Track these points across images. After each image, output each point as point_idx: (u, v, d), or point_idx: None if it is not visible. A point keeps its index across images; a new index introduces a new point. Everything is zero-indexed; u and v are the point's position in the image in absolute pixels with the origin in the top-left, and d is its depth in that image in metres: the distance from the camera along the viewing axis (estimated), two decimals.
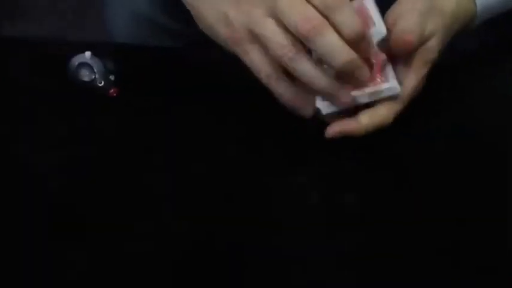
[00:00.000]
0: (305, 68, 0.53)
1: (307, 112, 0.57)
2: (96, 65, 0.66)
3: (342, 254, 0.53)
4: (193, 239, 0.54)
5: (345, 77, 0.55)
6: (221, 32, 0.57)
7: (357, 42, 0.53)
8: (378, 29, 0.57)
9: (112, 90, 0.66)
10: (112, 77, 0.67)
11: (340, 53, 0.53)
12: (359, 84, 0.56)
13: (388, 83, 0.57)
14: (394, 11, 0.60)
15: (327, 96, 0.56)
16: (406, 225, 0.54)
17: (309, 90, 0.56)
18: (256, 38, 0.54)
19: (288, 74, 0.56)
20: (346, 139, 0.59)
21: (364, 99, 0.57)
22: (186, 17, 0.82)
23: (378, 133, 0.61)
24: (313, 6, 0.52)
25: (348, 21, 0.53)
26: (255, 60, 0.55)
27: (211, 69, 0.71)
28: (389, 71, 0.58)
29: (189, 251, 0.53)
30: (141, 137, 0.63)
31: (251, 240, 0.53)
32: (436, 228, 0.54)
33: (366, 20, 0.57)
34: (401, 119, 0.63)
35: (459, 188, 0.57)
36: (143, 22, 0.83)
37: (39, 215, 0.56)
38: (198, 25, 0.60)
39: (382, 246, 0.53)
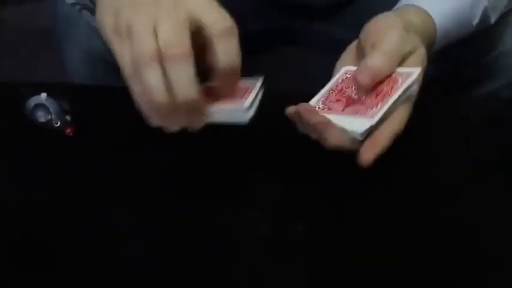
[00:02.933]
0: (153, 78, 0.53)
1: (150, 122, 0.57)
2: (52, 105, 0.66)
3: (293, 282, 0.53)
4: (152, 269, 0.54)
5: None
6: (107, 21, 0.56)
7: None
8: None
9: (68, 130, 0.67)
10: (68, 117, 0.67)
11: (191, 85, 0.53)
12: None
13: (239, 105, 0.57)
14: (370, 31, 0.61)
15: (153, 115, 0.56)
16: (356, 254, 0.56)
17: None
18: (130, 34, 0.54)
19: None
20: (296, 169, 0.61)
21: (219, 117, 0.58)
22: None
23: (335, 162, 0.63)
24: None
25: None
26: (124, 52, 0.54)
27: None
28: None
29: (148, 284, 0.54)
30: (98, 177, 0.64)
31: (208, 271, 0.54)
32: (388, 258, 0.55)
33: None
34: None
35: (409, 222, 0.58)
36: (98, 62, 0.83)
37: None
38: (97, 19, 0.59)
39: (332, 273, 0.54)
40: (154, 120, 0.57)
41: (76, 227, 0.58)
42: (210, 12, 0.54)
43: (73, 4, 0.77)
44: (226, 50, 0.54)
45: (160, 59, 0.52)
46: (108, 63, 0.83)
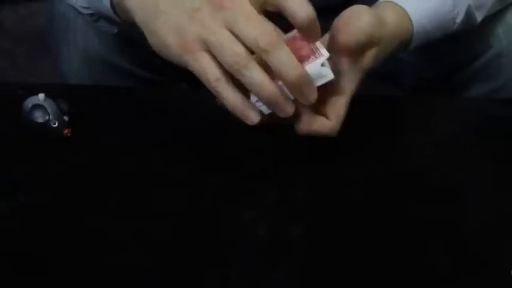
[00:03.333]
0: (256, 75, 0.55)
1: (251, 119, 0.57)
2: (50, 106, 0.66)
3: (290, 285, 0.53)
4: (147, 271, 0.54)
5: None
6: (172, 41, 0.57)
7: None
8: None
9: (66, 131, 0.67)
10: (66, 118, 0.67)
11: (293, 66, 0.55)
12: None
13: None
14: (344, 15, 0.62)
15: (272, 106, 0.57)
16: (355, 256, 0.56)
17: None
18: (208, 47, 0.56)
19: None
20: (293, 170, 0.61)
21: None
22: (139, 57, 0.84)
23: (327, 162, 0.63)
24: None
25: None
26: (205, 65, 0.56)
27: (164, 108, 0.72)
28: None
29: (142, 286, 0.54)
30: (96, 178, 0.63)
31: (200, 274, 0.54)
32: (384, 260, 0.55)
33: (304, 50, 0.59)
34: (348, 151, 0.65)
35: (406, 226, 0.58)
36: (96, 62, 0.83)
37: None
38: (150, 42, 0.60)
39: (329, 276, 0.54)
40: (256, 119, 0.57)
41: (73, 228, 0.58)
42: None
43: (90, 14, 0.77)
44: (299, 5, 0.55)
45: (255, 56, 0.54)
46: (105, 63, 0.84)
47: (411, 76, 0.80)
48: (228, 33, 0.55)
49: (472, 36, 0.79)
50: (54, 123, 0.66)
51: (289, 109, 0.57)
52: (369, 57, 0.63)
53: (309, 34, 0.57)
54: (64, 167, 0.65)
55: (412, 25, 0.68)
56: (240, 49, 0.54)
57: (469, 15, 0.73)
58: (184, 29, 0.56)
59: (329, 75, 0.58)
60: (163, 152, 0.66)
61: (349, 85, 0.62)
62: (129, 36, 0.78)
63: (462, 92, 0.84)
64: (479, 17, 0.75)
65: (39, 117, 0.66)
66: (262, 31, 0.54)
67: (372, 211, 0.59)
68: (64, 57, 0.85)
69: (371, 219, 0.58)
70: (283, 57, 0.54)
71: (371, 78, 0.74)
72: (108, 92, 0.77)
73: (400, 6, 0.68)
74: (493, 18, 0.79)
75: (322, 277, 0.53)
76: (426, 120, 0.72)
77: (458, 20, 0.72)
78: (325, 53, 0.58)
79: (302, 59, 0.57)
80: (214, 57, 0.56)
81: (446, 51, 0.75)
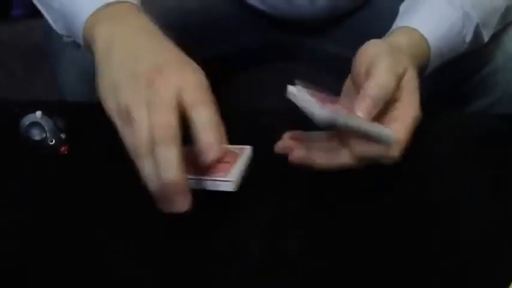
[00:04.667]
0: (145, 165, 0.56)
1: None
2: (47, 124, 0.67)
3: None
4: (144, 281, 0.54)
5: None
6: (109, 98, 0.59)
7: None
8: None
9: (63, 148, 0.67)
10: (63, 135, 0.68)
11: (167, 171, 0.55)
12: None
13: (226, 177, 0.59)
14: (361, 63, 0.62)
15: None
16: (351, 269, 0.56)
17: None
18: (131, 122, 0.57)
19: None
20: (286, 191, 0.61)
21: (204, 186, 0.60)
22: None
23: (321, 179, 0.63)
24: None
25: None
26: (128, 137, 0.57)
27: None
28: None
29: None
30: (93, 195, 0.63)
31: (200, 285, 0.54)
32: (380, 274, 0.55)
33: None
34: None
35: (403, 239, 0.58)
36: (92, 78, 0.84)
37: None
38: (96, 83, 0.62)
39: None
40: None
41: (70, 246, 0.58)
42: (198, 108, 0.57)
43: (74, 42, 0.77)
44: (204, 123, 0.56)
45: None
46: None
47: None
48: (144, 114, 0.56)
49: (470, 53, 0.80)
50: (51, 141, 0.67)
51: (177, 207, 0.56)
52: (412, 78, 0.63)
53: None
54: (60, 184, 0.65)
55: (429, 49, 0.69)
56: (143, 138, 0.55)
57: (477, 34, 0.74)
58: (120, 90, 0.58)
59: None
60: None
61: (408, 111, 0.62)
62: None
63: (460, 107, 0.85)
64: (486, 36, 0.75)
65: (36, 134, 0.66)
66: (162, 123, 0.55)
67: (368, 224, 0.59)
68: (61, 72, 0.86)
69: (368, 233, 0.58)
70: (166, 156, 0.54)
71: None
72: (105, 109, 0.77)
73: (417, 31, 0.68)
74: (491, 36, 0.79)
75: None
76: (425, 135, 0.72)
77: (468, 39, 0.73)
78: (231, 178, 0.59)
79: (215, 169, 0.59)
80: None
81: (444, 68, 0.76)
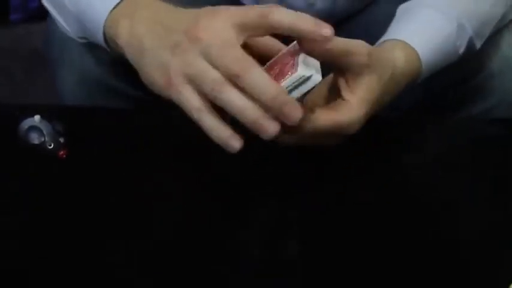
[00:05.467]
0: (233, 99, 0.56)
1: (234, 147, 0.58)
2: (46, 128, 0.67)
3: None
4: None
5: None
6: (157, 78, 0.60)
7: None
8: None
9: (62, 152, 0.67)
10: (62, 139, 0.68)
11: (267, 88, 0.55)
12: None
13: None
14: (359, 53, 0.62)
15: (254, 129, 0.57)
16: (351, 274, 0.56)
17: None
18: (189, 79, 0.57)
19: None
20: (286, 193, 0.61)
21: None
22: (135, 78, 0.84)
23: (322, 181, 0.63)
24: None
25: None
26: (187, 96, 0.57)
27: (160, 130, 0.73)
28: None
29: None
30: (92, 199, 0.63)
31: None
32: (379, 279, 0.55)
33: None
34: (341, 171, 0.65)
35: (402, 242, 0.58)
36: (92, 82, 0.84)
37: None
38: (142, 80, 0.62)
39: None
40: (238, 145, 0.58)
41: (70, 247, 0.58)
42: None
43: (88, 42, 0.78)
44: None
45: (232, 82, 0.55)
46: (101, 83, 0.84)
47: (405, 98, 0.80)
48: (204, 63, 0.56)
49: (464, 57, 0.80)
50: (50, 145, 0.67)
51: (271, 129, 0.56)
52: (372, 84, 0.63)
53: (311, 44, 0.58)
54: (60, 189, 0.65)
55: (421, 63, 0.69)
56: (214, 75, 0.56)
57: (470, 45, 0.74)
58: (167, 65, 0.58)
59: (315, 79, 0.57)
60: (159, 173, 0.66)
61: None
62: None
63: (455, 113, 0.85)
64: (478, 44, 0.75)
65: (35, 138, 0.67)
66: (232, 58, 0.55)
67: (366, 230, 0.59)
68: (60, 77, 0.86)
69: (364, 238, 0.58)
70: (254, 80, 0.55)
71: None
72: (104, 113, 0.77)
73: (409, 45, 0.68)
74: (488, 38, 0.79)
75: None
76: (420, 141, 0.72)
77: (461, 51, 0.73)
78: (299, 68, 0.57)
79: (284, 75, 0.58)
80: (197, 89, 0.57)
81: (439, 73, 0.76)
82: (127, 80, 0.84)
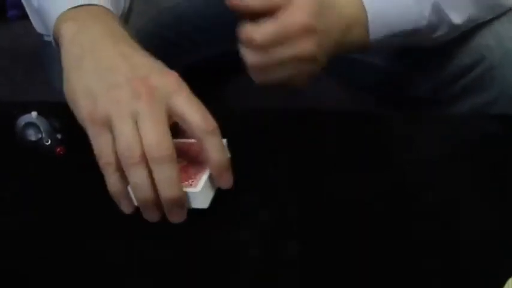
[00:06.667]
0: (137, 177, 0.56)
1: (124, 209, 0.59)
2: (43, 124, 0.67)
3: None
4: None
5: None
6: (82, 103, 0.59)
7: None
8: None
9: (59, 149, 0.67)
10: (59, 136, 0.67)
11: (170, 189, 0.56)
12: None
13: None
14: None
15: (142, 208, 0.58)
16: (349, 274, 0.55)
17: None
18: (111, 127, 0.57)
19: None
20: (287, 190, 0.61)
21: None
22: None
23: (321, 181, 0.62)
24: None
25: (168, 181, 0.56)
26: (103, 144, 0.57)
27: None
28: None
29: None
30: (89, 197, 0.63)
31: None
32: (378, 279, 0.55)
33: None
34: (338, 168, 0.65)
35: (399, 243, 0.58)
36: None
37: None
38: (63, 86, 0.61)
39: None
40: (128, 210, 0.59)
41: (66, 249, 0.58)
42: (192, 113, 0.57)
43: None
44: (214, 147, 0.57)
45: (145, 160, 0.55)
46: None
47: (403, 91, 0.81)
48: (132, 125, 0.56)
49: (464, 48, 0.79)
50: (47, 141, 0.66)
51: (154, 218, 0.58)
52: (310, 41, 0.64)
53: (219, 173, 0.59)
54: (56, 186, 0.65)
55: (365, 9, 0.68)
56: (135, 150, 0.55)
57: (437, 10, 0.73)
58: (97, 98, 0.57)
59: (203, 204, 0.59)
60: None
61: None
62: None
63: (454, 106, 0.85)
64: (456, 18, 0.74)
65: (31, 135, 0.66)
66: (160, 141, 0.55)
67: (364, 229, 0.59)
68: (55, 73, 0.85)
69: (363, 238, 0.58)
70: (166, 174, 0.55)
71: (365, 94, 0.74)
72: None
73: None
74: (484, 29, 0.79)
75: None
76: (417, 137, 0.72)
77: (426, 13, 0.72)
78: (199, 185, 0.58)
79: (188, 177, 0.59)
80: (113, 142, 0.57)
81: (438, 64, 0.76)
82: None
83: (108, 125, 0.57)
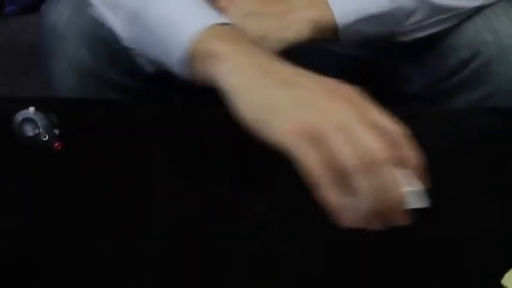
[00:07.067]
0: (371, 183, 0.53)
1: (351, 222, 0.55)
2: (40, 119, 0.66)
3: None
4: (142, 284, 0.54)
5: None
6: (282, 120, 0.55)
7: None
8: None
9: (56, 144, 0.67)
10: (56, 131, 0.67)
11: (392, 193, 0.53)
12: None
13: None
14: None
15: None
16: (347, 272, 0.55)
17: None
18: (320, 140, 0.54)
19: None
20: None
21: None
22: (129, 68, 0.84)
23: None
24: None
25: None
26: (314, 157, 0.53)
27: (154, 122, 0.72)
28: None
29: None
30: (87, 192, 0.63)
31: None
32: (376, 275, 0.55)
33: None
34: None
35: (397, 240, 0.57)
36: (87, 75, 0.84)
37: None
38: (237, 107, 0.56)
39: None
40: (352, 222, 0.55)
41: (63, 245, 0.58)
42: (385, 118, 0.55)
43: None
44: (412, 149, 0.55)
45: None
46: (95, 74, 0.83)
47: (400, 86, 0.81)
48: (347, 135, 0.53)
49: (460, 43, 0.79)
50: (45, 137, 0.66)
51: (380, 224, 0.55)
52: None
53: None
54: (54, 181, 0.65)
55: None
56: (360, 153, 0.52)
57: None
58: (305, 116, 0.54)
59: (423, 203, 0.56)
60: (155, 166, 0.66)
61: None
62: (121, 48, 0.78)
63: (450, 100, 0.85)
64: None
65: (29, 130, 0.66)
66: (379, 144, 0.53)
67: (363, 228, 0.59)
68: (54, 68, 0.85)
69: (363, 237, 0.58)
70: (389, 177, 0.53)
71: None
72: (99, 105, 0.77)
73: None
74: (481, 25, 0.79)
75: None
76: (414, 132, 0.71)
77: None
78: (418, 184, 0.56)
79: None
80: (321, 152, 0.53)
81: (434, 59, 0.76)
82: (121, 70, 0.83)
83: (316, 139, 0.54)
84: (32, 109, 0.67)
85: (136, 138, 0.70)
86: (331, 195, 0.53)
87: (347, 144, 0.53)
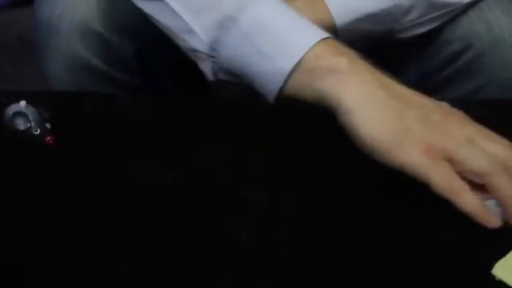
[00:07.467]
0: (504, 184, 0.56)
1: (495, 223, 0.57)
2: (32, 113, 0.66)
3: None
4: (134, 277, 0.54)
5: None
6: (414, 144, 0.56)
7: None
8: None
9: (48, 138, 0.67)
10: (48, 125, 0.67)
11: None
12: None
13: None
14: None
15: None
16: (343, 265, 0.55)
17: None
18: (451, 157, 0.56)
19: None
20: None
21: None
22: (124, 63, 0.84)
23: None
24: None
25: None
26: (450, 173, 0.56)
27: (148, 116, 0.72)
28: None
29: None
30: (79, 187, 0.63)
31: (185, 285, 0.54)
32: (373, 268, 0.55)
33: None
34: (334, 158, 0.65)
35: (394, 237, 0.58)
36: (81, 69, 0.83)
37: None
38: (358, 127, 0.57)
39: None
40: (497, 223, 0.57)
41: (55, 240, 0.57)
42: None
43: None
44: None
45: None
46: (89, 69, 0.83)
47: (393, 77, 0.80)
48: (474, 146, 0.57)
49: (453, 35, 0.79)
50: (36, 131, 0.66)
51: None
52: None
53: None
54: (46, 175, 0.64)
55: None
56: (493, 158, 0.56)
57: None
58: (433, 142, 0.56)
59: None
60: (146, 161, 0.66)
61: None
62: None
63: (443, 92, 0.85)
64: None
65: (20, 124, 0.66)
66: (503, 151, 0.57)
67: (360, 219, 0.59)
68: (47, 62, 0.85)
69: (362, 237, 0.58)
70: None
71: None
72: (91, 99, 0.77)
73: None
74: (474, 17, 0.79)
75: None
76: None
77: None
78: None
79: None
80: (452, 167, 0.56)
81: (426, 51, 0.76)
82: (116, 65, 0.83)
83: (444, 157, 0.57)
84: (23, 103, 0.66)
85: (129, 132, 0.70)
86: (471, 200, 0.56)
87: (477, 152, 0.56)
